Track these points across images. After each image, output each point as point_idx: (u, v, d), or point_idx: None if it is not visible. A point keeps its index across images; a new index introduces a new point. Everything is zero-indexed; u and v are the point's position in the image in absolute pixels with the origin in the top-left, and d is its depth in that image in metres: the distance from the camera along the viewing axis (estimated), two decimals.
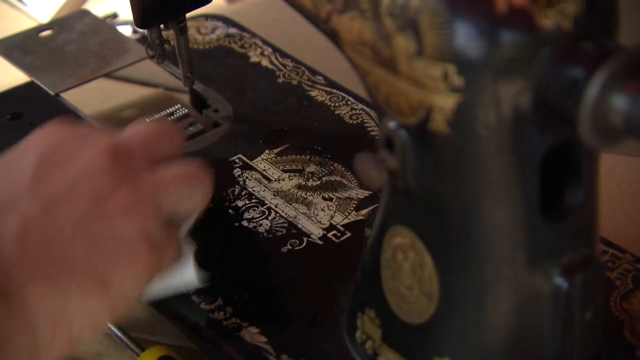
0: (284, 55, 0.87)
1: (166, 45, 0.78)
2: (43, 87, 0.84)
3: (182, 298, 0.66)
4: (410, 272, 0.55)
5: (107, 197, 0.54)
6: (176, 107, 0.81)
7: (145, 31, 0.80)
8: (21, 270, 0.51)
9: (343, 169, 0.75)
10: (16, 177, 0.54)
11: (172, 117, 0.80)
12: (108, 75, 0.86)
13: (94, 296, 0.52)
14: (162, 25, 0.76)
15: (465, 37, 0.47)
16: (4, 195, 0.54)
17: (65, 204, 0.53)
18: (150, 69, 0.86)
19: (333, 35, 0.55)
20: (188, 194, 0.57)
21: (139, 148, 0.57)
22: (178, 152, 0.60)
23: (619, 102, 0.44)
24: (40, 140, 0.57)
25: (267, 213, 0.72)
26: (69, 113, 0.82)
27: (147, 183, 0.55)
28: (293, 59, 0.87)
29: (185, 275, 0.60)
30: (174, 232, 0.57)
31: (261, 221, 0.71)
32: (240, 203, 0.73)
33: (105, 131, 0.58)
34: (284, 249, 0.69)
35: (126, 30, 0.91)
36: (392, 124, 0.52)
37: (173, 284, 0.60)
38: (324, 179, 0.75)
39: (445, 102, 0.49)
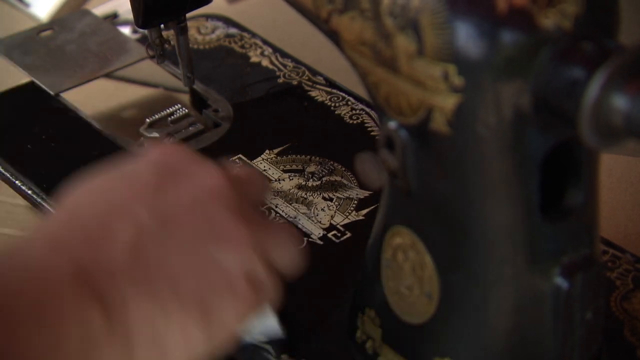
0: (284, 55, 0.87)
1: (166, 45, 0.78)
2: (43, 87, 0.84)
3: None
4: (410, 272, 0.55)
5: (224, 225, 0.52)
6: (176, 107, 0.81)
7: (145, 31, 0.80)
8: (128, 277, 0.49)
9: (343, 169, 0.75)
10: (134, 185, 0.53)
11: (172, 117, 0.80)
12: (108, 75, 0.86)
13: (194, 322, 0.50)
14: (162, 25, 0.76)
15: (465, 37, 0.47)
16: (121, 199, 0.52)
17: (182, 222, 0.52)
18: (151, 69, 0.86)
19: (333, 35, 0.55)
20: (289, 248, 0.56)
21: (246, 186, 0.57)
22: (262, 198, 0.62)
23: (619, 102, 0.44)
24: (158, 155, 0.55)
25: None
26: (69, 113, 0.82)
27: (259, 223, 0.54)
28: (293, 59, 0.87)
29: (268, 323, 0.61)
30: (274, 278, 0.55)
31: None
32: None
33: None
34: None
35: (126, 30, 0.91)
36: (392, 124, 0.52)
37: (258, 330, 0.61)
38: (324, 179, 0.75)
39: (446, 102, 0.49)
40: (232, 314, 0.51)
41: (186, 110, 0.81)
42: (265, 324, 0.61)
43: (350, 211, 0.72)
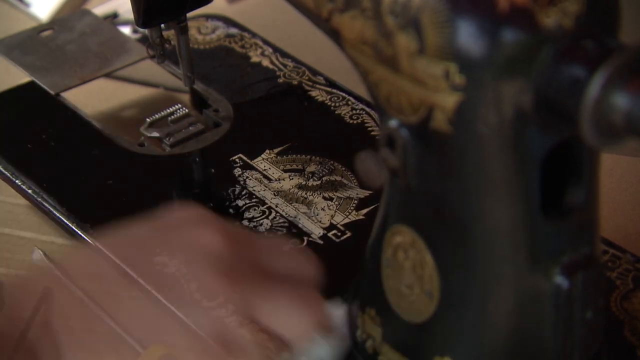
0: (285, 55, 0.87)
1: (167, 45, 0.78)
2: (43, 87, 0.84)
3: None
4: (410, 271, 0.55)
5: (201, 284, 0.54)
6: (176, 106, 0.81)
7: (145, 31, 0.80)
8: None
9: (343, 168, 0.75)
10: (135, 244, 0.57)
11: (172, 117, 0.80)
12: (108, 75, 0.86)
13: None
14: (162, 25, 0.77)
15: (466, 35, 0.47)
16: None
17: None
18: (151, 69, 0.86)
19: (334, 35, 0.55)
20: (289, 313, 0.55)
21: (259, 248, 0.57)
22: (307, 277, 0.57)
23: (620, 100, 0.44)
24: (171, 215, 0.58)
25: (267, 212, 0.72)
26: (69, 113, 0.82)
27: (247, 281, 0.54)
28: (293, 59, 0.87)
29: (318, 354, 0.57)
30: (266, 340, 0.54)
31: (261, 221, 0.71)
32: (240, 202, 0.73)
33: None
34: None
35: (126, 30, 0.91)
36: (393, 123, 0.52)
37: None
38: (324, 178, 0.75)
39: (447, 101, 0.49)
40: None
41: (186, 110, 0.81)
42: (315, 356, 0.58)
43: (350, 211, 0.72)
